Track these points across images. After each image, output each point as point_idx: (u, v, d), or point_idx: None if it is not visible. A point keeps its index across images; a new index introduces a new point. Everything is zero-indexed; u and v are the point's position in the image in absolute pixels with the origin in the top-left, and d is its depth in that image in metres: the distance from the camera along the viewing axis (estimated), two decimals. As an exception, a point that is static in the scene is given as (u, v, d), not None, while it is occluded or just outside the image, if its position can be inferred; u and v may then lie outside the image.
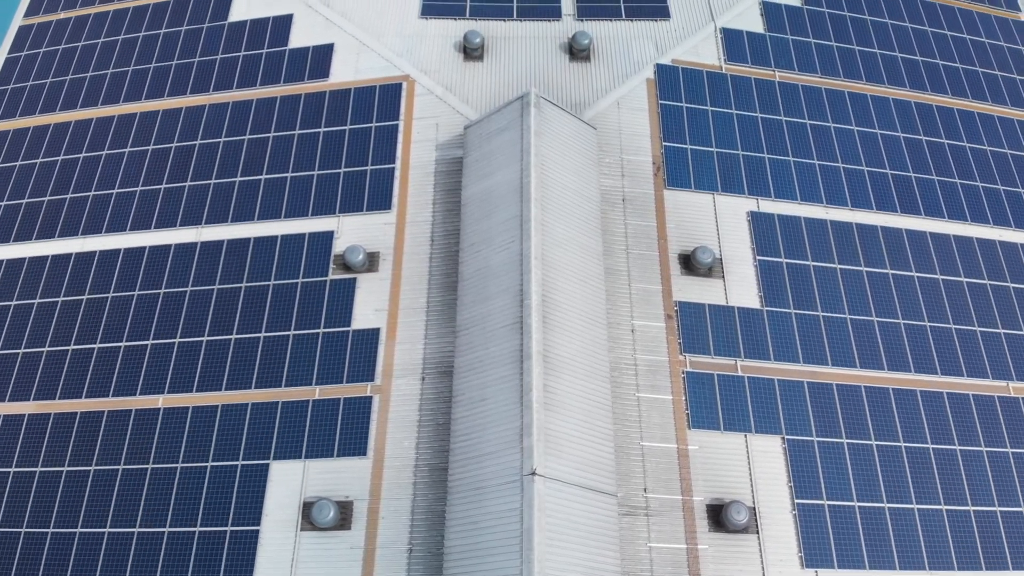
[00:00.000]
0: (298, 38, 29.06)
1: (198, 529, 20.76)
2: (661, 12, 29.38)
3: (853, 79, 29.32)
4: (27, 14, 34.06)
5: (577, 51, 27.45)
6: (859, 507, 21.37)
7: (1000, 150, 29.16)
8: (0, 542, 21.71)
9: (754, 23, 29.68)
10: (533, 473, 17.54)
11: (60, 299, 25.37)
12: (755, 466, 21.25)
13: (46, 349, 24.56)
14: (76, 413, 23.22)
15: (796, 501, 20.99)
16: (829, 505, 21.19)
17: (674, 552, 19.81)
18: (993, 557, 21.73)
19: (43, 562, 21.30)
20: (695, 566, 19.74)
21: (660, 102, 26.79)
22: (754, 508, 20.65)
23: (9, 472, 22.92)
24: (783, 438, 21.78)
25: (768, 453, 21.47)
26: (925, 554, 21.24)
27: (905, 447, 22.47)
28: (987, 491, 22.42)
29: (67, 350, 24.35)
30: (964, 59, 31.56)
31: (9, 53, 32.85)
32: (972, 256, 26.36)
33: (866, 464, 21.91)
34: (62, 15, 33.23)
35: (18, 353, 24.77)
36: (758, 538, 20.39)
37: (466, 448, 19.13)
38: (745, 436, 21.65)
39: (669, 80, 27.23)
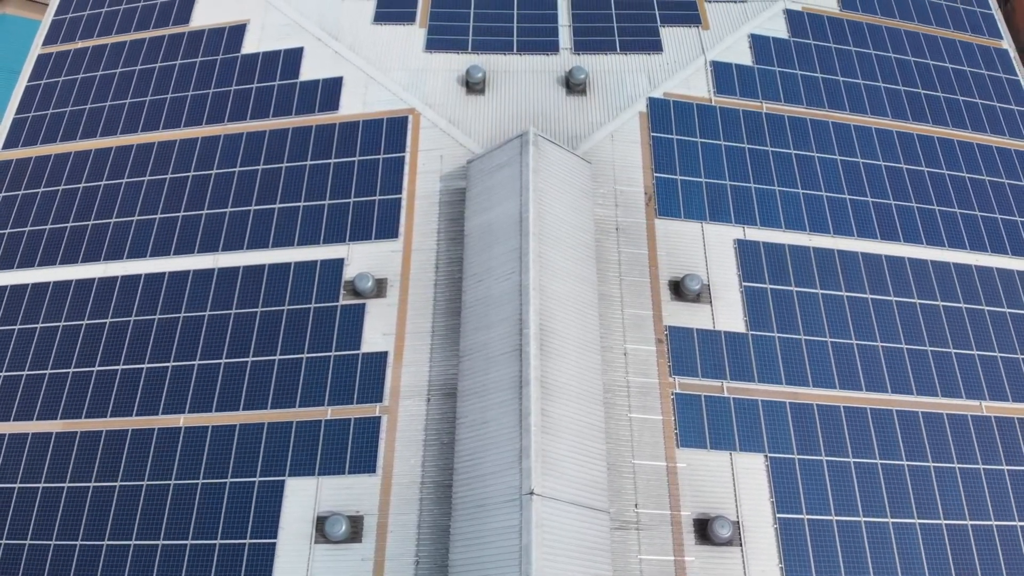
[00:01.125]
0: (309, 71, 30.51)
1: (219, 542, 22.23)
2: (654, 46, 30.83)
3: (837, 109, 30.76)
4: (45, 43, 35.47)
5: (574, 85, 28.91)
6: (837, 521, 22.82)
7: (978, 176, 30.59)
8: (31, 554, 23.18)
9: (743, 55, 31.12)
10: (531, 493, 19.00)
11: (84, 322, 26.82)
12: (739, 482, 22.71)
13: (72, 370, 26.02)
14: (102, 431, 24.68)
15: (777, 516, 22.44)
16: (808, 519, 22.64)
17: (663, 564, 21.27)
18: (964, 569, 23.14)
19: (72, 573, 22.74)
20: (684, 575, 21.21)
21: (652, 134, 28.25)
22: (738, 522, 22.11)
23: (39, 487, 24.38)
24: (766, 456, 23.23)
25: (751, 470, 22.93)
26: (899, 566, 22.68)
27: (881, 464, 23.92)
28: (959, 506, 23.86)
29: (92, 371, 25.81)
30: (946, 88, 32.99)
31: (29, 81, 34.28)
32: (949, 280, 27.79)
33: (844, 480, 23.36)
34: (80, 44, 34.66)
35: (45, 374, 26.23)
36: (741, 551, 21.84)
37: (469, 468, 20.60)
38: (730, 454, 23.10)
39: (660, 113, 28.69)
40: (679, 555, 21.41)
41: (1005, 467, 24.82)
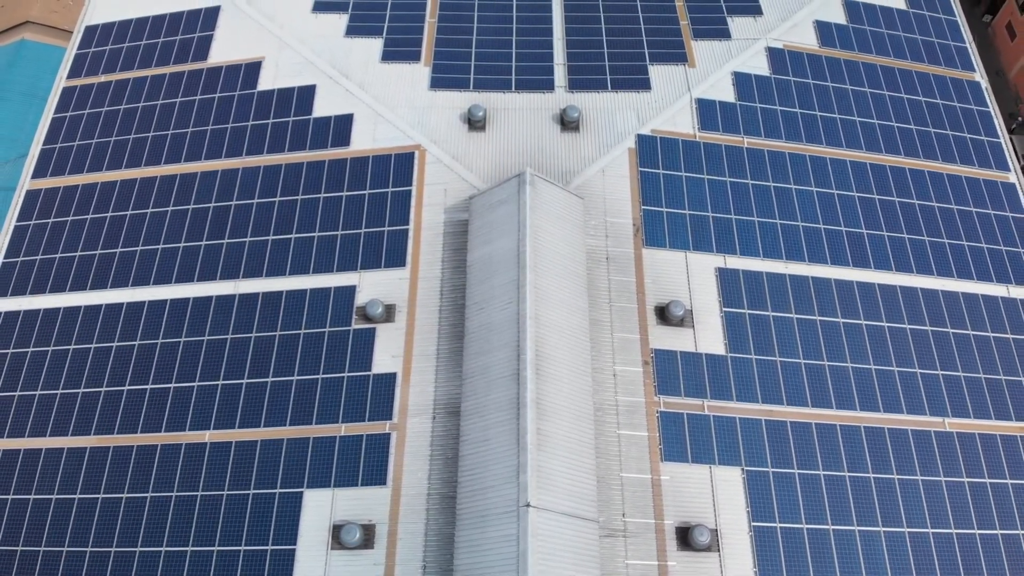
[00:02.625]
0: (321, 107, 32.71)
1: (243, 548, 24.39)
2: (643, 84, 33.05)
3: (814, 143, 32.97)
4: (70, 76, 37.63)
5: (568, 123, 31.13)
6: (807, 529, 24.99)
7: (947, 205, 32.79)
8: (68, 560, 25.33)
9: (726, 93, 33.34)
10: (528, 505, 21.18)
11: (114, 344, 28.99)
12: (718, 493, 24.89)
13: (103, 389, 28.18)
14: (133, 447, 26.84)
15: (753, 524, 24.61)
16: (781, 527, 24.81)
17: (647, 568, 23.43)
18: (925, 572, 25.29)
19: (107, 576, 24.90)
20: (665, 580, 23.38)
21: (640, 169, 30.46)
22: (716, 530, 24.28)
23: (74, 499, 26.53)
24: (743, 469, 25.41)
25: (729, 482, 25.10)
26: (864, 570, 24.84)
27: (849, 476, 26.10)
28: (921, 515, 26.03)
29: (123, 390, 27.97)
30: (918, 120, 35.19)
31: (55, 113, 36.45)
32: (916, 305, 29.99)
33: (814, 491, 25.53)
34: (103, 79, 36.84)
35: (78, 392, 28.39)
36: (719, 556, 24.01)
37: (471, 481, 22.78)
38: (710, 467, 25.28)
39: (648, 149, 30.91)
40: (662, 560, 23.57)
41: (965, 479, 26.98)
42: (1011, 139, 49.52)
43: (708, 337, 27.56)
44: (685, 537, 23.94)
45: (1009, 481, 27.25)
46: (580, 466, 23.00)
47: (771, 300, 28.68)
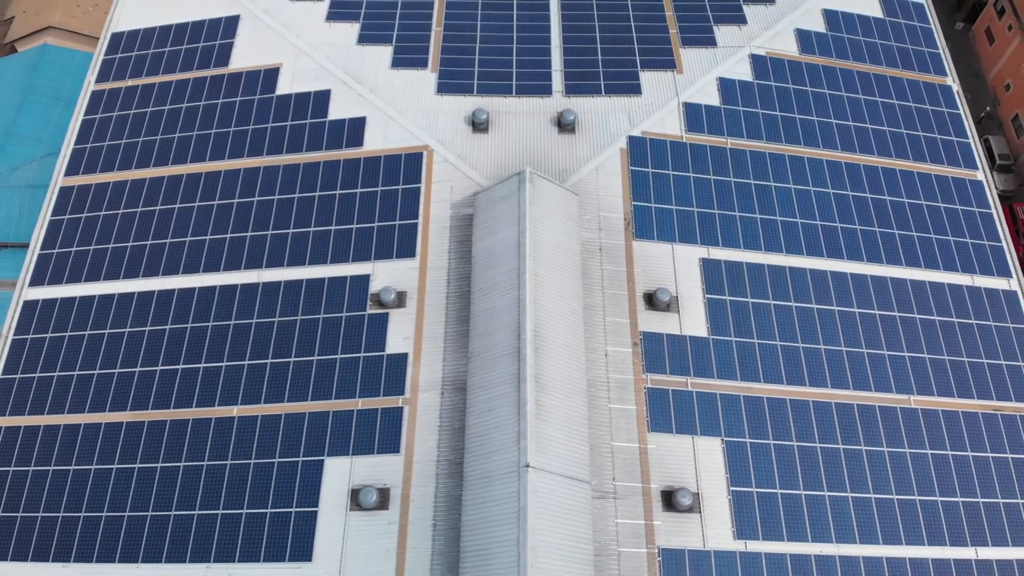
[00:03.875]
0: (336, 111, 35.29)
1: (269, 511, 26.94)
2: (634, 89, 35.65)
3: (793, 144, 35.56)
4: (98, 80, 40.17)
5: (564, 125, 33.71)
6: (781, 494, 27.56)
7: (916, 201, 35.37)
8: (108, 525, 27.85)
9: (711, 97, 35.94)
10: (527, 466, 23.75)
11: (147, 328, 31.55)
12: (699, 461, 27.46)
13: (138, 369, 30.73)
14: (166, 421, 29.39)
15: (731, 488, 27.18)
16: (757, 492, 27.38)
17: (635, 527, 25.99)
18: (889, 534, 27.85)
19: (143, 539, 27.40)
20: (651, 538, 25.94)
21: (631, 168, 33.05)
22: (698, 493, 26.84)
23: (112, 468, 29.05)
24: (722, 439, 27.99)
25: (710, 451, 27.67)
26: (833, 531, 27.39)
27: (820, 447, 28.66)
28: (886, 483, 28.57)
29: (156, 370, 30.53)
30: (891, 122, 37.79)
31: (85, 115, 39.00)
32: (885, 292, 32.56)
33: (788, 460, 28.11)
34: (130, 83, 39.41)
35: (114, 372, 30.93)
36: (700, 517, 26.58)
37: (477, 447, 25.36)
38: (692, 438, 27.86)
39: (638, 150, 33.51)
40: (649, 520, 26.14)
41: (928, 451, 29.53)
42: (986, 138, 52.17)
43: (692, 321, 30.14)
44: (669, 500, 26.50)
45: (970, 453, 29.78)
46: (574, 434, 25.58)
47: (750, 288, 31.24)
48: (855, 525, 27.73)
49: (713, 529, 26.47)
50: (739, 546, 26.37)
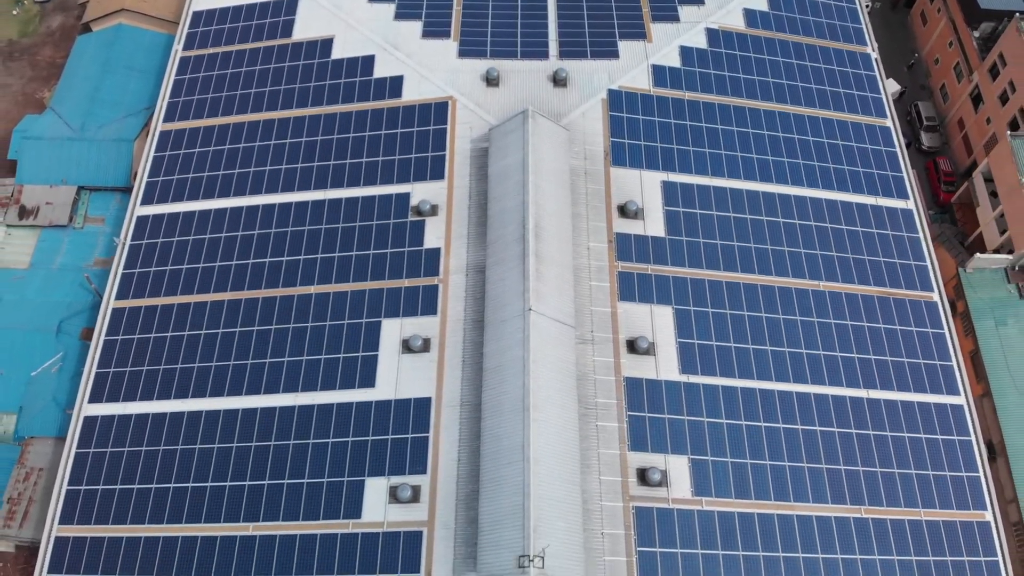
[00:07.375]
0: (379, 71, 45.26)
1: (342, 356, 36.97)
2: (613, 54, 45.64)
3: (738, 96, 45.51)
4: (184, 48, 50.04)
5: (558, 80, 43.71)
6: (716, 345, 37.62)
7: (834, 141, 45.22)
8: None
9: (674, 60, 45.90)
10: (530, 309, 33.87)
11: (256, 231, 41.46)
12: (655, 321, 37.53)
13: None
14: (276, 297, 39.39)
15: (678, 340, 37.26)
16: (697, 343, 37.46)
17: (607, 363, 36.07)
18: (798, 375, 37.86)
19: (245, 379, 37.35)
20: (619, 370, 36.03)
21: (610, 113, 43.05)
22: (653, 343, 36.91)
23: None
24: (673, 307, 38.06)
25: (663, 315, 37.75)
26: (755, 370, 37.37)
27: (747, 315, 38.71)
28: (797, 340, 38.57)
29: (254, 263, 40.47)
30: (818, 81, 47.70)
31: (176, 75, 48.87)
32: (804, 208, 42.50)
33: (721, 322, 38.17)
34: (211, 51, 49.29)
35: (231, 264, 40.91)
36: (655, 358, 36.65)
37: (493, 301, 35.50)
38: (650, 306, 37.92)
39: (616, 100, 43.50)
40: (617, 359, 36.24)
41: (832, 321, 39.53)
42: (916, 104, 61.96)
43: (654, 226, 40.16)
44: (633, 345, 36.57)
45: (865, 324, 39.70)
46: (564, 294, 35.70)
47: (698, 202, 41.28)
48: (771, 368, 37.71)
49: (664, 366, 36.57)
50: (683, 378, 36.47)
